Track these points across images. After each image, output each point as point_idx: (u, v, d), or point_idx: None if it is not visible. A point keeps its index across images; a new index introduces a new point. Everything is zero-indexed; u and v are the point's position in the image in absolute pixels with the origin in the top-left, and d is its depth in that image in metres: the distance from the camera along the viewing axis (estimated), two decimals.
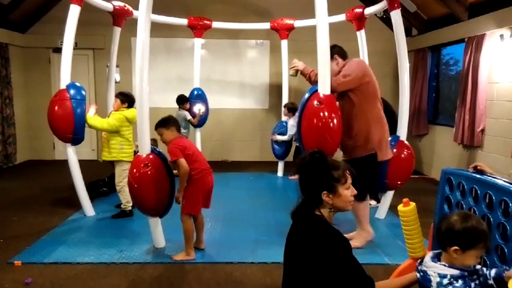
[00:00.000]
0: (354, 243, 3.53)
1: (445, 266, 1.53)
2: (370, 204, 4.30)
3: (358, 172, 3.37)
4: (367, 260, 3.21)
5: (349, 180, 1.71)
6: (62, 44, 4.14)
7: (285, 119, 6.29)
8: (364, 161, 3.41)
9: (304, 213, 1.71)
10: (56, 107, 3.98)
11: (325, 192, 1.66)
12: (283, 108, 6.27)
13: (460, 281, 1.49)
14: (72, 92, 4.01)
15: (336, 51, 3.53)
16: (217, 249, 3.45)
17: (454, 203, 2.11)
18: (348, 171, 1.71)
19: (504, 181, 1.81)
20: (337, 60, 3.51)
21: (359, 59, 3.90)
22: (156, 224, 3.41)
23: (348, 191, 1.70)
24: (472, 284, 1.52)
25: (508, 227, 1.70)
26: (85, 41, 6.87)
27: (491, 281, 1.59)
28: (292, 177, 6.20)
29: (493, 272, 1.59)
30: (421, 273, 1.60)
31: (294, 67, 3.74)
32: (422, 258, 1.67)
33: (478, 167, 1.95)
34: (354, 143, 3.41)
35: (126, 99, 4.26)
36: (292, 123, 5.87)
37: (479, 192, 1.91)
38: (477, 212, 1.92)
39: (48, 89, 7.26)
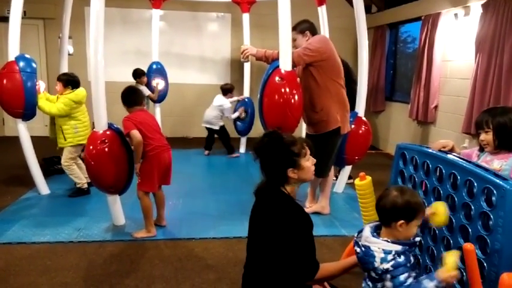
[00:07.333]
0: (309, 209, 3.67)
1: (388, 242, 1.57)
2: (334, 179, 4.40)
3: (324, 147, 3.43)
4: (325, 232, 3.32)
5: (308, 152, 1.78)
6: (9, 13, 3.85)
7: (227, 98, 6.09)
8: (329, 135, 3.48)
9: (269, 191, 1.77)
10: (5, 81, 3.74)
11: (290, 168, 1.73)
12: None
13: (403, 256, 1.54)
14: (21, 64, 3.78)
15: (308, 27, 3.51)
16: (179, 226, 3.44)
17: (407, 177, 2.21)
18: (304, 143, 1.78)
19: (454, 155, 1.91)
20: (307, 37, 3.50)
21: (322, 35, 3.90)
22: (114, 202, 3.35)
23: (309, 162, 1.77)
24: (412, 258, 1.59)
25: (456, 199, 1.81)
26: (34, 10, 6.45)
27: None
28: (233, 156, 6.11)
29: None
30: (363, 248, 1.60)
31: (244, 53, 3.46)
32: (359, 232, 1.69)
33: (445, 148, 2.01)
34: (320, 117, 3.45)
35: (70, 82, 4.03)
36: (229, 105, 5.97)
37: (430, 166, 2.00)
38: (428, 185, 2.02)
39: None
